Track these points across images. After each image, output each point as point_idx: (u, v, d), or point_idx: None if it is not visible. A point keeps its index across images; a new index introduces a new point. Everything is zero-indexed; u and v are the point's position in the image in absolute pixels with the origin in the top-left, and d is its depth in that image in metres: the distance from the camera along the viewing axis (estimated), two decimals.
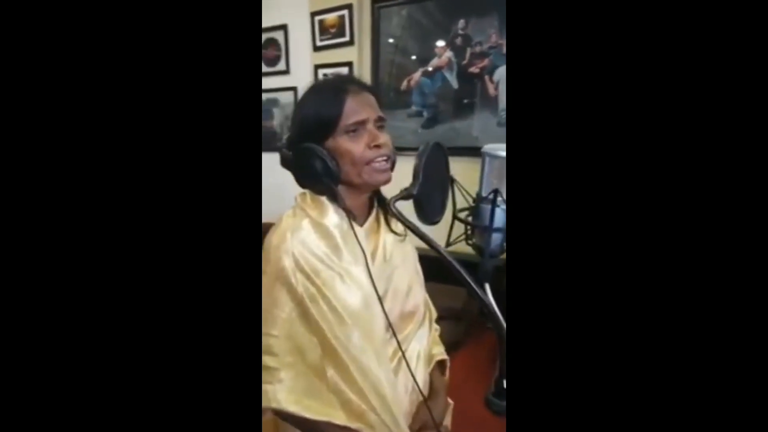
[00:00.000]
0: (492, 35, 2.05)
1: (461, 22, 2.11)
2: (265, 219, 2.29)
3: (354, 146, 0.60)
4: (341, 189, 0.63)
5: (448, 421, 0.70)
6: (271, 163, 3.12)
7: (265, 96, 2.79)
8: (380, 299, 0.62)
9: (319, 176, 0.60)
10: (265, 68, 2.75)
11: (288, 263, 0.59)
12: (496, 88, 2.08)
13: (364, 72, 2.41)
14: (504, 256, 0.76)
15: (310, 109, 0.63)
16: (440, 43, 2.18)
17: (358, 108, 0.60)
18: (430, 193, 0.59)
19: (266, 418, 0.63)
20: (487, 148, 0.63)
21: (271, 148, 3.04)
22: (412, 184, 0.55)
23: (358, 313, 0.59)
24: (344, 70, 2.39)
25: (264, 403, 0.56)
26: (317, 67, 2.48)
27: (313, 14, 2.42)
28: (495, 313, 0.43)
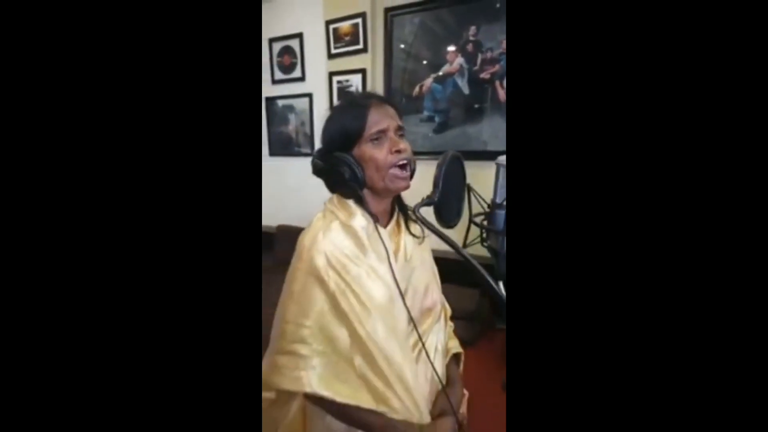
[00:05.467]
0: (502, 41, 2.09)
1: (472, 29, 2.16)
2: (283, 221, 2.35)
3: (377, 152, 0.66)
4: (366, 194, 0.70)
5: (463, 410, 0.75)
6: (288, 166, 3.16)
7: (281, 102, 2.87)
8: (402, 295, 0.68)
9: (346, 182, 0.67)
10: (281, 75, 2.83)
11: (321, 261, 0.65)
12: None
13: (377, 78, 2.46)
14: None
15: (337, 123, 0.70)
16: (451, 48, 2.22)
17: (379, 118, 0.67)
18: (449, 200, 0.66)
19: (295, 406, 0.69)
20: (501, 159, 0.68)
21: (288, 153, 3.08)
22: (433, 192, 0.63)
23: (383, 307, 0.66)
24: (358, 77, 2.45)
25: (297, 388, 0.62)
26: (332, 74, 2.54)
27: (328, 23, 2.48)
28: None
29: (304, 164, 2.93)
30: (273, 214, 2.89)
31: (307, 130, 2.80)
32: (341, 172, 0.67)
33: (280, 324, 0.67)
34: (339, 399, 0.62)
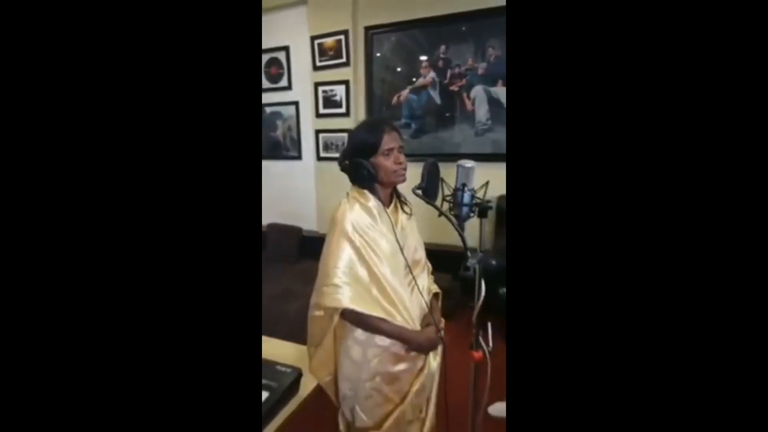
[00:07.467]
0: (469, 59, 2.41)
1: (442, 47, 2.47)
2: (272, 220, 2.67)
3: (387, 163, 1.02)
4: (376, 186, 1.05)
5: (442, 325, 1.09)
6: (277, 169, 3.41)
7: (269, 109, 3.08)
8: (402, 250, 1.03)
9: (365, 179, 1.03)
10: (268, 84, 3.04)
11: (349, 227, 1.01)
12: (473, 104, 2.43)
13: (359, 89, 2.73)
14: (470, 219, 1.11)
15: (360, 139, 1.05)
16: (424, 59, 2.52)
17: (390, 140, 1.02)
18: (430, 186, 1.00)
19: (335, 321, 1.01)
20: (459, 162, 1.02)
21: (277, 156, 3.31)
22: (421, 182, 1.01)
23: (389, 257, 1.03)
24: (342, 88, 2.71)
25: (337, 305, 0.95)
26: (317, 84, 2.78)
27: (313, 38, 2.72)
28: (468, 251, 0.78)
29: (292, 167, 3.17)
30: (263, 213, 3.10)
31: (294, 135, 3.03)
32: (362, 172, 1.02)
33: (323, 268, 1.01)
34: (364, 311, 0.97)
